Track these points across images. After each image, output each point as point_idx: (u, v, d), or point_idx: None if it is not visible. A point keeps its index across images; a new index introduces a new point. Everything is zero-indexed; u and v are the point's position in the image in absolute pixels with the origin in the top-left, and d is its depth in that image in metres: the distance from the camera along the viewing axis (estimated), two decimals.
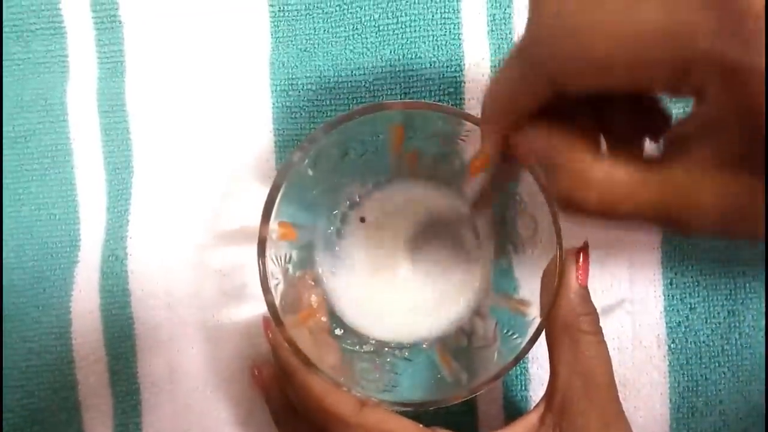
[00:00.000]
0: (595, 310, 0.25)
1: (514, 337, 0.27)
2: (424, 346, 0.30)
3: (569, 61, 0.17)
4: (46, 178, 0.32)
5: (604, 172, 0.18)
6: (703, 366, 0.31)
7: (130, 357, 0.32)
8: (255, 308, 0.32)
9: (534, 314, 0.26)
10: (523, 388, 0.32)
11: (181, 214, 0.32)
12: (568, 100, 0.18)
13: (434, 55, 0.32)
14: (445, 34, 0.32)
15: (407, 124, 0.27)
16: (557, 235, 0.25)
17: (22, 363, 0.31)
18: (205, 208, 0.32)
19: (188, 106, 0.32)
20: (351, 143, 0.28)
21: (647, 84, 0.16)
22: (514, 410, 0.32)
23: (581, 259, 0.25)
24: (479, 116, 0.23)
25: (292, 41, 0.32)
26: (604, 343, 0.25)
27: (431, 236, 0.31)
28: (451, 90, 0.31)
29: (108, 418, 0.32)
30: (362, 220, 0.31)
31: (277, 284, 0.26)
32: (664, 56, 0.15)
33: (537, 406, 0.25)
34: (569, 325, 0.24)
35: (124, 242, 0.32)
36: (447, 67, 0.32)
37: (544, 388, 0.25)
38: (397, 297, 0.31)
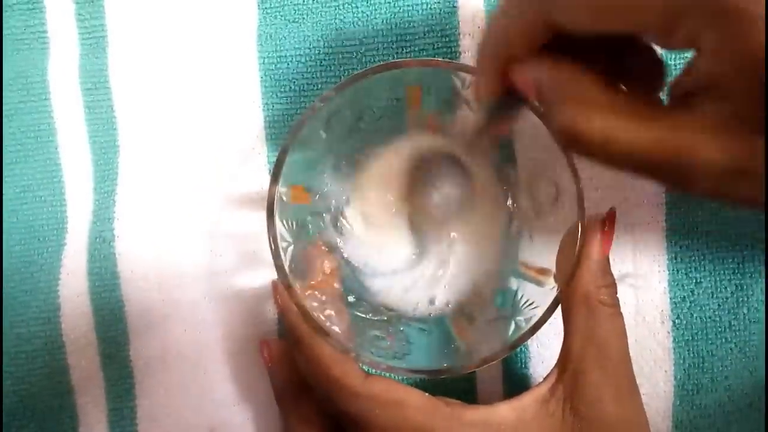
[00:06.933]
0: (615, 281, 0.25)
1: (532, 306, 0.26)
2: (439, 315, 0.29)
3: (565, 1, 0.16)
4: (30, 159, 0.31)
5: (610, 104, 0.18)
6: (709, 342, 0.31)
7: (122, 340, 0.31)
8: (248, 288, 0.31)
9: (552, 284, 0.25)
10: (524, 366, 0.31)
11: (168, 193, 0.31)
12: (568, 40, 0.18)
13: (428, 25, 0.30)
14: (439, 3, 0.30)
15: (424, 85, 0.26)
16: (580, 201, 0.24)
17: (11, 348, 0.31)
18: (192, 187, 0.31)
19: (174, 82, 0.31)
20: (365, 106, 0.27)
21: (641, 28, 0.16)
22: (514, 388, 0.31)
23: (606, 228, 0.24)
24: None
25: (279, 12, 0.31)
26: (621, 316, 0.24)
27: (447, 204, 0.30)
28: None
29: (102, 402, 0.31)
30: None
31: (287, 247, 0.26)
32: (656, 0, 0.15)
33: (548, 377, 0.25)
34: (588, 296, 0.24)
35: (111, 223, 0.31)
36: (441, 36, 0.30)
37: (545, 367, 0.25)
38: (412, 266, 0.30)
